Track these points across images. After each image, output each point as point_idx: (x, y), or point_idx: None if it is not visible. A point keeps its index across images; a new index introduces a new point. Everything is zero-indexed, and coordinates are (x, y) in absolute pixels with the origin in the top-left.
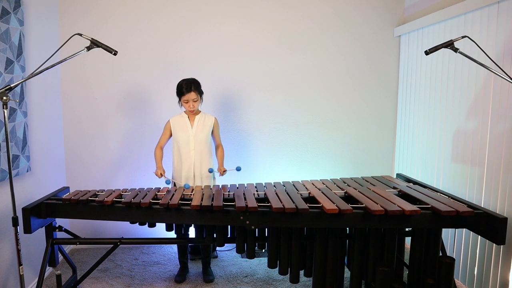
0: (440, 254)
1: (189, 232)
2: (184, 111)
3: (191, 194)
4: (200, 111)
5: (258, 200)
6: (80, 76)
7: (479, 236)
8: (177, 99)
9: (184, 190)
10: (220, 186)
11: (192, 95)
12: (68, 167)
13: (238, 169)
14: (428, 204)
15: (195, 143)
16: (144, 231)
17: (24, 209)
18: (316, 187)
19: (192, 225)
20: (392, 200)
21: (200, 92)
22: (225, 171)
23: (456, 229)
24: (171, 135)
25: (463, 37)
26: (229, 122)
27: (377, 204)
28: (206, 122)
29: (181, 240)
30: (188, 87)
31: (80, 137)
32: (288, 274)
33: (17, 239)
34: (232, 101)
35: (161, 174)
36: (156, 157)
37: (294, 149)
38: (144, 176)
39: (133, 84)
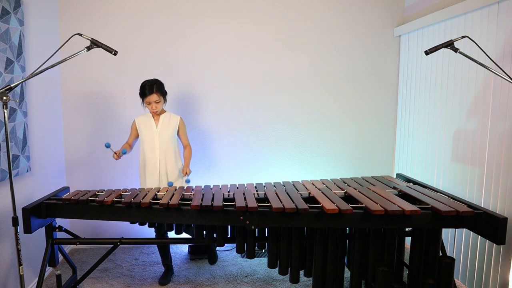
0: (440, 254)
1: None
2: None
3: (191, 194)
4: (166, 111)
5: (258, 200)
6: (80, 76)
7: (479, 236)
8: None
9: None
10: (220, 186)
11: (153, 97)
12: (68, 167)
13: (187, 181)
14: (428, 204)
15: (159, 142)
16: (144, 231)
17: (24, 209)
18: (316, 187)
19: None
20: (392, 200)
21: (162, 93)
22: (190, 172)
23: (456, 229)
24: (137, 134)
25: (463, 37)
26: (229, 122)
27: (377, 204)
28: (171, 121)
29: (181, 240)
30: (150, 89)
31: (80, 137)
32: (288, 274)
33: (17, 239)
34: (232, 102)
35: (116, 154)
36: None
37: (294, 149)
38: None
39: (133, 84)
